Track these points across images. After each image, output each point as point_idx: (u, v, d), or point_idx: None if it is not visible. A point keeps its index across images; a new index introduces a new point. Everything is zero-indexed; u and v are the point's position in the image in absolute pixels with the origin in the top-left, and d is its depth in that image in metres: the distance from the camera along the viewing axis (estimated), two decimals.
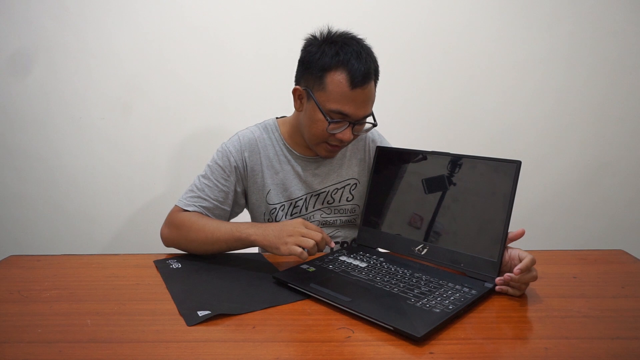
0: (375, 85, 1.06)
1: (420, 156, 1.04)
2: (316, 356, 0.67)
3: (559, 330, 0.74)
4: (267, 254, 1.10)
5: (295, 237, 0.95)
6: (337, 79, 1.00)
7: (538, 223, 1.95)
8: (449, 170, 0.99)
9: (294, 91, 1.09)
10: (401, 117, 1.85)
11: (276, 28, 1.77)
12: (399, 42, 1.80)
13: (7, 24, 1.74)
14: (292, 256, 1.05)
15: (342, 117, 1.02)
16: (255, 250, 1.23)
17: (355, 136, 1.08)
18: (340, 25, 1.07)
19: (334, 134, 1.04)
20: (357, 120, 1.04)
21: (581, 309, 0.81)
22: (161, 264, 1.01)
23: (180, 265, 1.00)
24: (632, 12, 1.80)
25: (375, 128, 1.24)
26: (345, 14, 1.76)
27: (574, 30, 1.81)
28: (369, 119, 1.09)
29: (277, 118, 1.22)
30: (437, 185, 1.00)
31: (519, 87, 1.86)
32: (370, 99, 1.04)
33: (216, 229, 1.02)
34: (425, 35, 1.81)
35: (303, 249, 0.93)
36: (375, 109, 1.07)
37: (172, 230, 1.08)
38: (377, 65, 1.06)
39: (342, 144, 1.08)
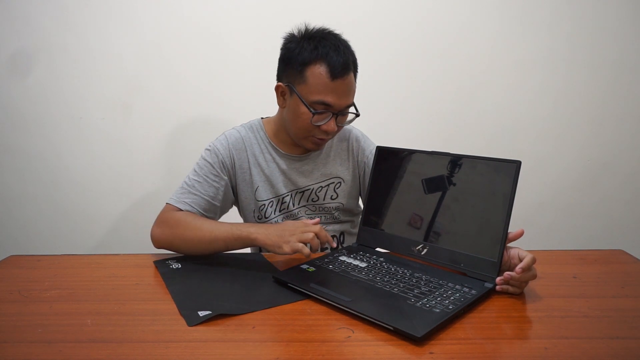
0: (355, 78, 1.10)
1: (420, 156, 1.04)
2: (316, 356, 0.67)
3: (559, 330, 0.74)
4: (267, 253, 1.10)
5: (297, 234, 0.96)
6: (318, 72, 1.03)
7: (538, 223, 1.95)
8: (449, 170, 0.99)
9: (277, 88, 1.12)
10: (401, 116, 1.85)
11: (276, 26, 1.76)
12: (398, 42, 1.80)
13: (7, 24, 1.74)
14: (293, 256, 1.05)
15: (325, 108, 1.05)
16: (255, 250, 1.24)
17: (339, 128, 1.11)
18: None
19: (318, 126, 1.07)
20: (339, 110, 1.07)
21: (581, 309, 0.81)
22: (161, 265, 1.01)
23: (180, 266, 1.00)
24: (632, 12, 1.80)
25: (359, 128, 1.28)
26: (345, 13, 1.76)
27: (574, 30, 1.82)
28: (352, 110, 1.11)
29: (262, 118, 1.25)
30: (437, 185, 1.00)
31: (519, 87, 1.86)
32: (350, 90, 1.08)
33: (214, 228, 1.02)
34: (425, 35, 1.81)
35: (305, 245, 0.96)
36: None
37: (166, 230, 1.06)
38: (355, 58, 1.10)
39: (328, 135, 1.10)
